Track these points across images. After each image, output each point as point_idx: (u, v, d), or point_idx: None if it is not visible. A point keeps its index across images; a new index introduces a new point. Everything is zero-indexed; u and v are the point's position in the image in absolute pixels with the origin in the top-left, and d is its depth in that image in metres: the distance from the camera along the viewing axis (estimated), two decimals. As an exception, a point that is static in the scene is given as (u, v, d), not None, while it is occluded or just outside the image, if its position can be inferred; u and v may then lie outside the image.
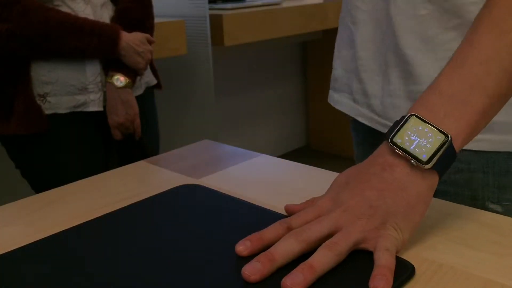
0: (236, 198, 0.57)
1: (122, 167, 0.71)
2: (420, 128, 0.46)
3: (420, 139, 0.46)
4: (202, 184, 0.62)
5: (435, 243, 0.47)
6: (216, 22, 1.95)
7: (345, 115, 0.80)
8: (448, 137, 0.45)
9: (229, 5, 2.06)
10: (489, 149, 0.65)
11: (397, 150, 0.46)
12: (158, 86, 1.50)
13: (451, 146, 0.46)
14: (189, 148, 0.78)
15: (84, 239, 0.50)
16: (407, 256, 0.45)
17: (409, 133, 0.46)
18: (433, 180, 0.46)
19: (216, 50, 2.03)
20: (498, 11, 0.50)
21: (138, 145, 1.40)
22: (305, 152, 3.22)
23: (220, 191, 0.60)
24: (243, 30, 2.03)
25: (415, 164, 0.45)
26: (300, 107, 3.21)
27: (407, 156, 0.45)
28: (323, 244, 0.42)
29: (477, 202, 0.66)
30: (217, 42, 1.97)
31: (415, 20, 0.66)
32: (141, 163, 0.72)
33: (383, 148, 0.48)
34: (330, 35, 3.00)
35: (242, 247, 0.44)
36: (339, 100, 0.80)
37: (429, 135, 0.46)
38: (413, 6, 0.66)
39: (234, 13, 1.99)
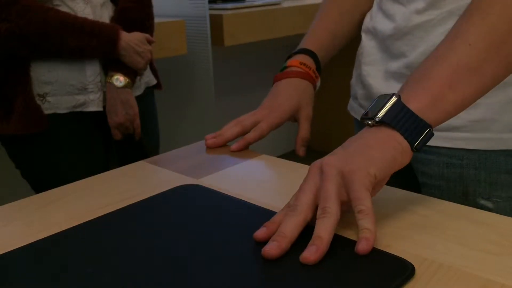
0: (236, 198, 0.57)
1: (122, 167, 0.71)
2: (376, 99, 0.54)
3: (375, 105, 0.53)
4: (202, 184, 0.62)
5: (435, 243, 0.47)
6: (216, 22, 1.95)
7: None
8: (396, 95, 0.51)
9: (229, 5, 2.06)
10: (485, 148, 0.66)
11: (364, 121, 0.53)
12: (158, 86, 1.50)
13: (399, 102, 0.51)
14: (189, 148, 0.78)
15: (84, 239, 0.50)
16: (407, 256, 0.45)
17: (370, 107, 0.54)
18: (393, 133, 0.50)
19: (216, 50, 2.02)
20: (474, 1, 0.54)
21: (138, 145, 1.40)
22: (305, 152, 3.22)
23: (220, 191, 0.60)
24: (243, 30, 2.03)
25: (371, 124, 0.52)
26: (300, 107, 3.21)
27: (366, 121, 0.53)
28: (318, 215, 0.47)
29: (468, 197, 0.67)
30: (217, 42, 1.97)
31: (420, 27, 0.68)
32: (141, 163, 0.72)
33: None
34: (330, 35, 2.99)
35: (261, 232, 0.47)
36: (351, 105, 0.85)
37: (383, 100, 0.52)
38: (420, 16, 0.68)
39: (234, 13, 1.99)
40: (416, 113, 0.50)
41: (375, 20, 0.78)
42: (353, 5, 0.85)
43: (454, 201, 0.56)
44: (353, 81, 0.84)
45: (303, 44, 0.83)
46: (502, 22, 0.51)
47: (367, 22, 0.81)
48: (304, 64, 0.80)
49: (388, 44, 0.74)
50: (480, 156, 0.66)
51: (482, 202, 0.67)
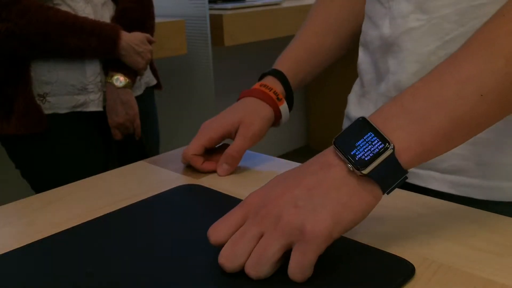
0: (236, 198, 0.57)
1: (122, 167, 0.71)
2: (366, 133, 0.44)
3: (363, 144, 0.43)
4: (202, 184, 0.62)
5: (435, 243, 0.47)
6: (216, 22, 1.95)
7: None
8: (390, 144, 0.42)
9: (229, 5, 2.06)
10: (496, 199, 0.58)
11: (338, 152, 0.44)
12: (158, 86, 1.50)
13: (393, 157, 0.42)
14: (189, 148, 0.78)
15: (84, 239, 0.50)
16: (407, 256, 0.45)
17: (354, 136, 0.44)
18: (372, 189, 0.43)
19: (216, 50, 2.02)
20: (496, 30, 0.45)
21: (138, 145, 1.40)
22: (305, 152, 3.22)
23: (220, 191, 0.60)
24: (243, 30, 2.03)
25: (351, 169, 0.43)
26: (300, 107, 3.21)
27: (346, 160, 0.43)
28: (245, 266, 0.42)
29: None
30: (217, 42, 1.97)
31: (406, 35, 0.60)
32: (141, 163, 0.72)
33: (330, 148, 0.46)
34: (330, 35, 2.99)
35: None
36: (345, 123, 0.78)
37: (374, 141, 0.43)
38: (405, 20, 0.60)
39: (234, 13, 1.99)
40: (403, 166, 0.43)
41: (365, 29, 0.69)
42: (341, 18, 0.75)
43: None
44: (352, 97, 0.76)
45: (277, 63, 0.74)
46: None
47: (362, 33, 0.72)
48: (265, 86, 0.71)
49: (377, 58, 0.66)
50: (490, 209, 0.54)
51: None
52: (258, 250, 0.42)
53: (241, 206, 0.46)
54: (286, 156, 3.07)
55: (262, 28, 2.10)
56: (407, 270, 0.42)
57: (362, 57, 0.71)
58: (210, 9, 1.96)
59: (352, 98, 0.76)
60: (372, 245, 0.47)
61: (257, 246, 0.42)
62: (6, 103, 1.24)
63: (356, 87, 0.76)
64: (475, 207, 0.54)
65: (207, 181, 0.64)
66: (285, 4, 2.25)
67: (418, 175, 0.63)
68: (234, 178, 0.65)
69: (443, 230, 0.50)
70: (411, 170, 0.63)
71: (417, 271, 0.43)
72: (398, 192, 0.58)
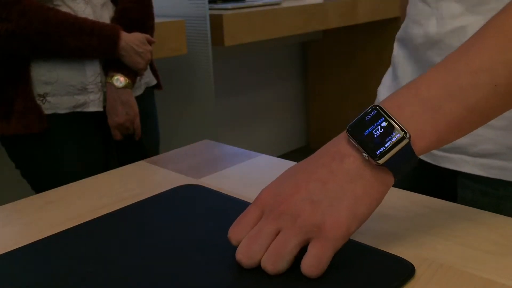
0: (236, 198, 0.57)
1: (122, 167, 0.71)
2: (381, 121, 0.43)
3: (378, 133, 0.43)
4: (202, 184, 0.62)
5: (435, 243, 0.47)
6: (216, 22, 1.95)
7: None
8: (406, 134, 0.42)
9: (229, 5, 2.06)
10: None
11: (352, 140, 0.43)
12: (158, 86, 1.50)
13: (408, 146, 0.42)
14: (189, 148, 0.78)
15: (84, 239, 0.50)
16: (407, 256, 0.45)
17: (369, 124, 0.44)
18: (385, 178, 0.43)
19: (216, 50, 2.02)
20: (509, 20, 0.44)
21: (138, 145, 1.40)
22: (305, 152, 3.22)
23: (220, 191, 0.60)
24: (243, 30, 2.03)
25: (367, 158, 0.43)
26: (300, 107, 3.21)
27: (360, 148, 0.43)
28: (262, 261, 0.42)
29: None
30: (217, 42, 1.97)
31: (453, 33, 0.62)
32: (141, 163, 0.72)
33: (340, 136, 0.45)
34: (330, 35, 3.00)
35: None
36: None
37: (389, 130, 0.43)
38: (454, 21, 0.62)
39: (234, 13, 1.99)
40: (416, 153, 0.43)
41: (405, 27, 0.71)
42: None
43: None
44: (383, 90, 0.76)
45: None
46: None
47: (400, 30, 0.73)
48: None
49: (419, 53, 0.67)
50: None
51: None
52: (276, 245, 0.42)
53: (255, 204, 0.45)
54: (286, 156, 3.07)
55: (262, 28, 2.10)
56: (407, 270, 0.42)
57: (399, 51, 0.72)
58: (210, 9, 1.96)
59: (382, 90, 0.77)
60: (372, 245, 0.47)
61: (275, 241, 0.42)
62: (6, 103, 1.24)
63: (387, 80, 0.76)
64: (507, 189, 0.57)
65: (207, 181, 0.64)
66: (285, 4, 2.25)
67: (449, 159, 0.65)
68: (234, 178, 0.65)
69: (443, 230, 0.50)
70: (442, 154, 0.66)
71: (417, 271, 0.43)
72: (398, 192, 0.58)
